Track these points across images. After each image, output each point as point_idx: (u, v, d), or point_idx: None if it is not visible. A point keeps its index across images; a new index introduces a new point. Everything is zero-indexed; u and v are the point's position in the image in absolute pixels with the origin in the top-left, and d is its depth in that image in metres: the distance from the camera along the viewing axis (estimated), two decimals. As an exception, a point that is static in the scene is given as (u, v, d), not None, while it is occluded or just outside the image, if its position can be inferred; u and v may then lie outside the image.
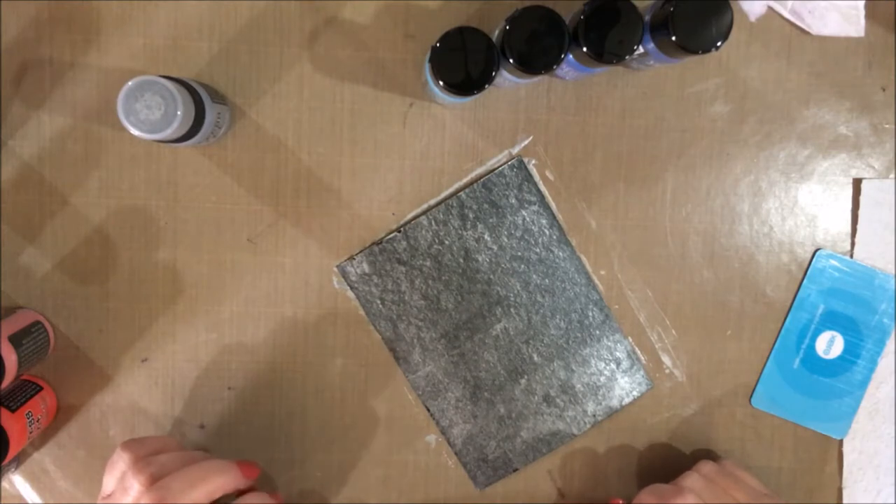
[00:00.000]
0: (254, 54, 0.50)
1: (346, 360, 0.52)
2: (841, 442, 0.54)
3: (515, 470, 0.53)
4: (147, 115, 0.41)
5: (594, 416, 0.53)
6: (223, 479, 0.43)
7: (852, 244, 0.53)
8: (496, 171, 0.51)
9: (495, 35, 0.44)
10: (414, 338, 0.52)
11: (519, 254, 0.52)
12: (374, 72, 0.50)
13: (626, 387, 0.53)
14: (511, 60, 0.41)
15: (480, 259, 0.52)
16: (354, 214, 0.51)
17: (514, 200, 0.51)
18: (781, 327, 0.54)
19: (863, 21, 0.51)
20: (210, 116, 0.45)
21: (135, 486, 0.41)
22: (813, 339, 0.54)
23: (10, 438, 0.45)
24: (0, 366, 0.43)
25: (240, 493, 0.47)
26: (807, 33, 0.51)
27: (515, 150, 0.51)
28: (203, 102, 0.44)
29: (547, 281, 0.52)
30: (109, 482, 0.43)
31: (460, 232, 0.51)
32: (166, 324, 0.51)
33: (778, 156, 0.53)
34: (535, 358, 0.53)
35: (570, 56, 0.43)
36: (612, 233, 0.52)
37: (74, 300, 0.51)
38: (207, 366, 0.52)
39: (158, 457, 0.43)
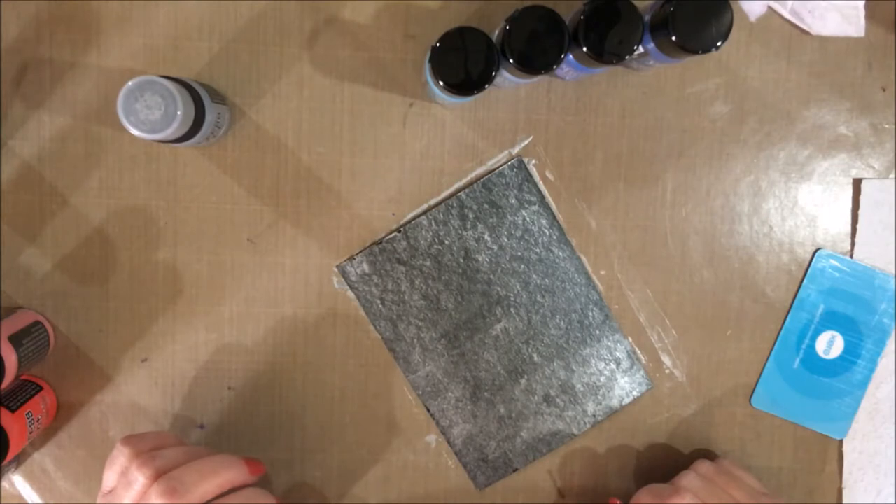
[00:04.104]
0: (254, 54, 0.50)
1: (345, 360, 0.52)
2: (841, 442, 0.54)
3: (515, 470, 0.53)
4: (147, 115, 0.41)
5: (594, 416, 0.53)
6: (232, 474, 0.43)
7: (852, 244, 0.53)
8: (496, 171, 0.51)
9: (495, 35, 0.44)
10: (414, 338, 0.52)
11: (519, 254, 0.52)
12: (374, 72, 0.50)
13: (626, 387, 0.53)
14: (511, 60, 0.41)
15: (480, 259, 0.52)
16: (354, 214, 0.51)
17: (514, 200, 0.51)
18: (781, 327, 0.54)
19: (863, 21, 0.51)
20: (210, 116, 0.45)
21: (139, 480, 0.41)
22: (813, 339, 0.54)
23: (10, 438, 0.45)
24: (0, 366, 0.43)
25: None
26: (807, 33, 0.51)
27: (515, 150, 0.51)
28: (203, 102, 0.44)
29: (547, 281, 0.52)
30: (110, 478, 0.43)
31: (460, 232, 0.51)
32: (166, 324, 0.51)
33: (778, 156, 0.53)
34: (535, 358, 0.53)
35: (570, 56, 0.43)
36: (612, 233, 0.52)
37: (74, 300, 0.51)
38: (207, 366, 0.52)
39: (162, 451, 0.43)
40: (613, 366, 0.53)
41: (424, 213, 0.51)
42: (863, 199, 0.53)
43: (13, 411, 0.46)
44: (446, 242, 0.51)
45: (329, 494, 0.53)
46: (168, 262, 0.51)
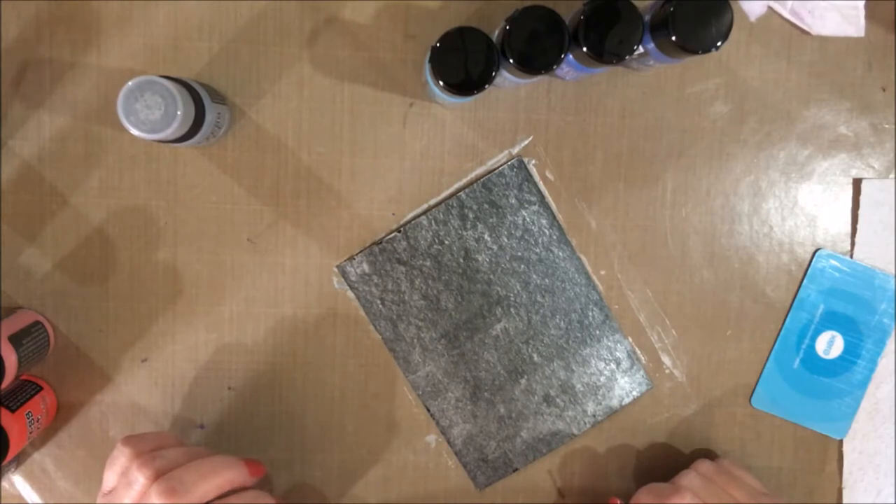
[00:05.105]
0: (254, 54, 0.50)
1: (345, 360, 0.52)
2: (841, 442, 0.54)
3: (515, 470, 0.53)
4: (147, 115, 0.41)
5: (594, 416, 0.53)
6: (232, 474, 0.43)
7: (852, 244, 0.53)
8: (496, 171, 0.51)
9: (495, 35, 0.44)
10: (414, 338, 0.52)
11: (519, 254, 0.52)
12: (374, 72, 0.50)
13: (626, 387, 0.53)
14: (511, 60, 0.41)
15: (480, 259, 0.52)
16: (354, 214, 0.51)
17: (514, 200, 0.51)
18: (781, 327, 0.54)
19: (863, 21, 0.51)
20: (210, 116, 0.45)
21: (140, 480, 0.41)
22: (813, 339, 0.54)
23: (10, 438, 0.45)
24: (0, 366, 0.43)
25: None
26: (807, 33, 0.51)
27: (515, 150, 0.51)
28: (203, 102, 0.44)
29: (547, 281, 0.52)
30: (110, 478, 0.43)
31: (460, 232, 0.51)
32: (166, 324, 0.51)
33: (778, 156, 0.53)
34: (535, 358, 0.53)
35: (570, 56, 0.43)
36: (612, 233, 0.52)
37: (74, 300, 0.51)
38: (207, 366, 0.52)
39: (163, 451, 0.43)
40: (613, 366, 0.53)
41: (424, 213, 0.51)
42: (863, 199, 0.53)
43: (13, 411, 0.46)
44: (446, 242, 0.51)
45: (329, 494, 0.53)
46: (168, 262, 0.51)
